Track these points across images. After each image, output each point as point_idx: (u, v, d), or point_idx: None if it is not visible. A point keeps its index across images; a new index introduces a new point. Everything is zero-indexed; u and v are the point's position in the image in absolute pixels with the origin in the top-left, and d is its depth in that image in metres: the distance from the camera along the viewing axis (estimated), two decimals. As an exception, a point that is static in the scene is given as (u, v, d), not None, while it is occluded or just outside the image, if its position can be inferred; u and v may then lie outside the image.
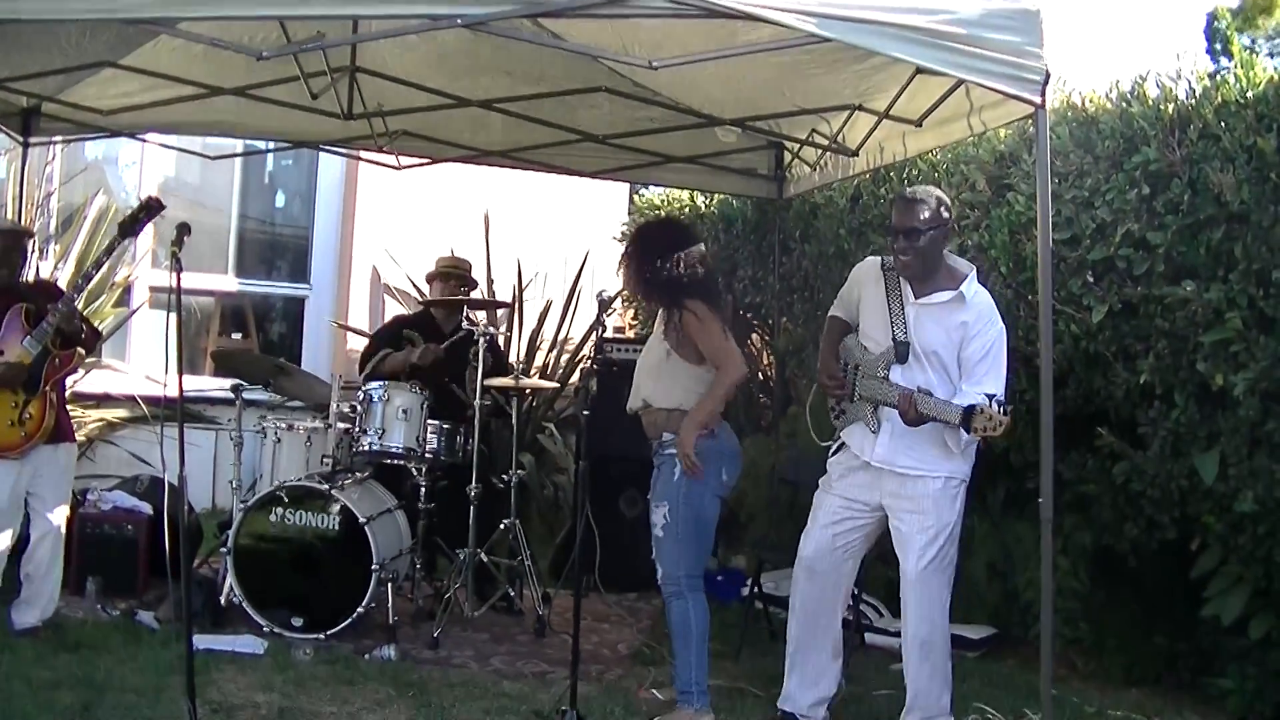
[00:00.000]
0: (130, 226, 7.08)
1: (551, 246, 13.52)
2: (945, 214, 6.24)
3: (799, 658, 6.60)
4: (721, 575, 9.40)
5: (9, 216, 9.95)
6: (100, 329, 8.40)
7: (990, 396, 5.77)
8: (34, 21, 6.02)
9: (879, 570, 6.79)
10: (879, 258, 6.56)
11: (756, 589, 8.24)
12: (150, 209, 7.09)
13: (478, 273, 10.51)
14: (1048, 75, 5.27)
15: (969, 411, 5.76)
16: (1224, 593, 6.99)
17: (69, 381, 8.04)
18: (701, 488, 6.55)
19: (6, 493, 7.41)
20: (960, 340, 6.08)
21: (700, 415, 6.51)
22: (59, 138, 9.96)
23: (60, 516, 7.69)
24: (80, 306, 8.15)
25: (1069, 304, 7.19)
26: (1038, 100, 5.28)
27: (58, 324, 7.37)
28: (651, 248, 6.76)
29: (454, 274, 9.69)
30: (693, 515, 6.56)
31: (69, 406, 8.11)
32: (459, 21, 5.10)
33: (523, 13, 5.18)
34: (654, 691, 7.18)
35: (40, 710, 6.22)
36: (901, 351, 6.19)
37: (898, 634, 6.57)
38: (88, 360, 8.03)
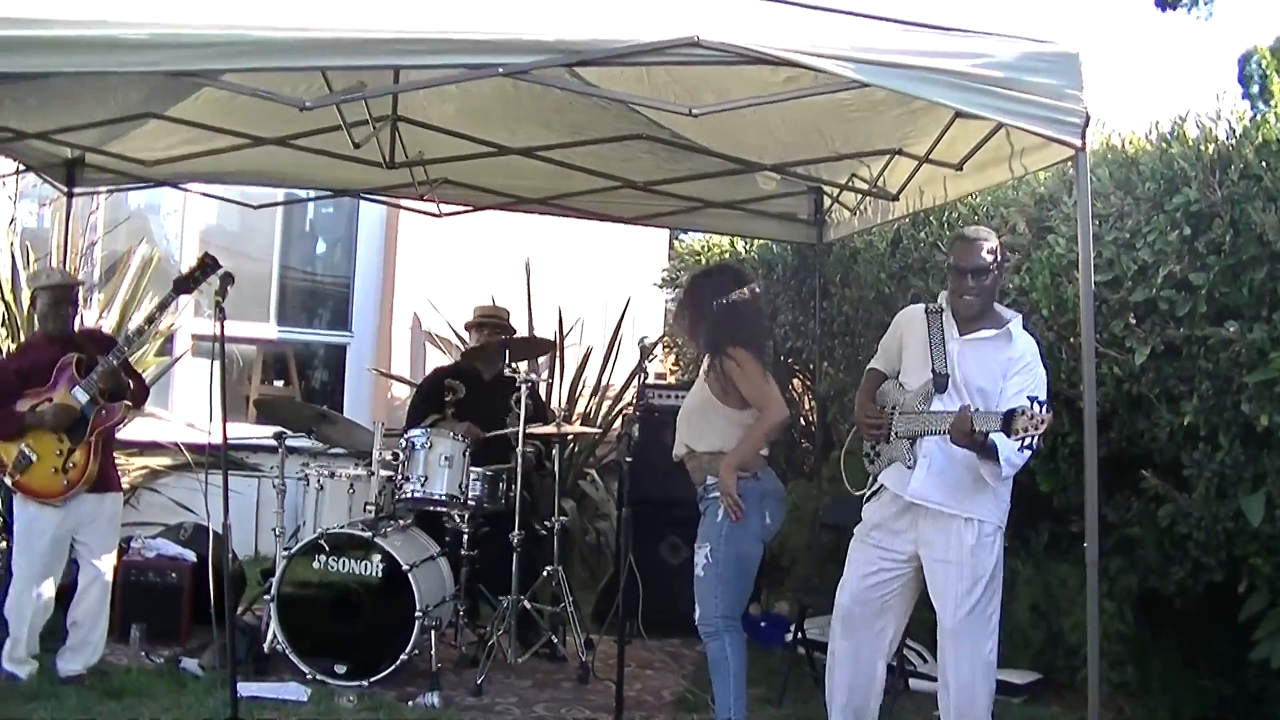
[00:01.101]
0: (186, 283, 7.14)
1: (592, 293, 13.53)
2: (1002, 255, 6.23)
3: (837, 708, 6.56)
4: (764, 621, 9.37)
5: (54, 265, 10.05)
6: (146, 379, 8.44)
7: (1032, 399, 5.68)
8: (78, 74, 6.07)
9: (922, 615, 6.74)
10: (921, 305, 6.54)
11: (800, 634, 8.21)
12: (207, 267, 7.13)
13: (520, 319, 10.53)
14: (1088, 118, 5.27)
15: (1009, 415, 5.62)
16: (1272, 635, 6.91)
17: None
18: (743, 529, 6.55)
19: (48, 539, 7.48)
20: (1004, 375, 6.03)
21: (738, 456, 6.53)
22: (102, 188, 10.02)
23: (107, 565, 7.74)
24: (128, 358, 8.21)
25: (1111, 346, 7.16)
26: (1078, 143, 5.28)
27: (103, 377, 7.43)
28: (698, 296, 6.83)
29: (490, 323, 9.72)
30: (733, 556, 6.56)
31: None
32: (500, 71, 5.14)
33: (562, 62, 5.19)
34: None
35: (85, 758, 6.26)
36: (940, 382, 6.13)
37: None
38: (133, 411, 8.05)
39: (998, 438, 5.72)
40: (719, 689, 6.63)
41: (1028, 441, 5.62)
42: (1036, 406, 5.58)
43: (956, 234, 6.72)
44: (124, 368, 7.76)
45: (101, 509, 7.68)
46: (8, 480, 7.52)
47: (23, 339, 10.03)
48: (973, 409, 5.90)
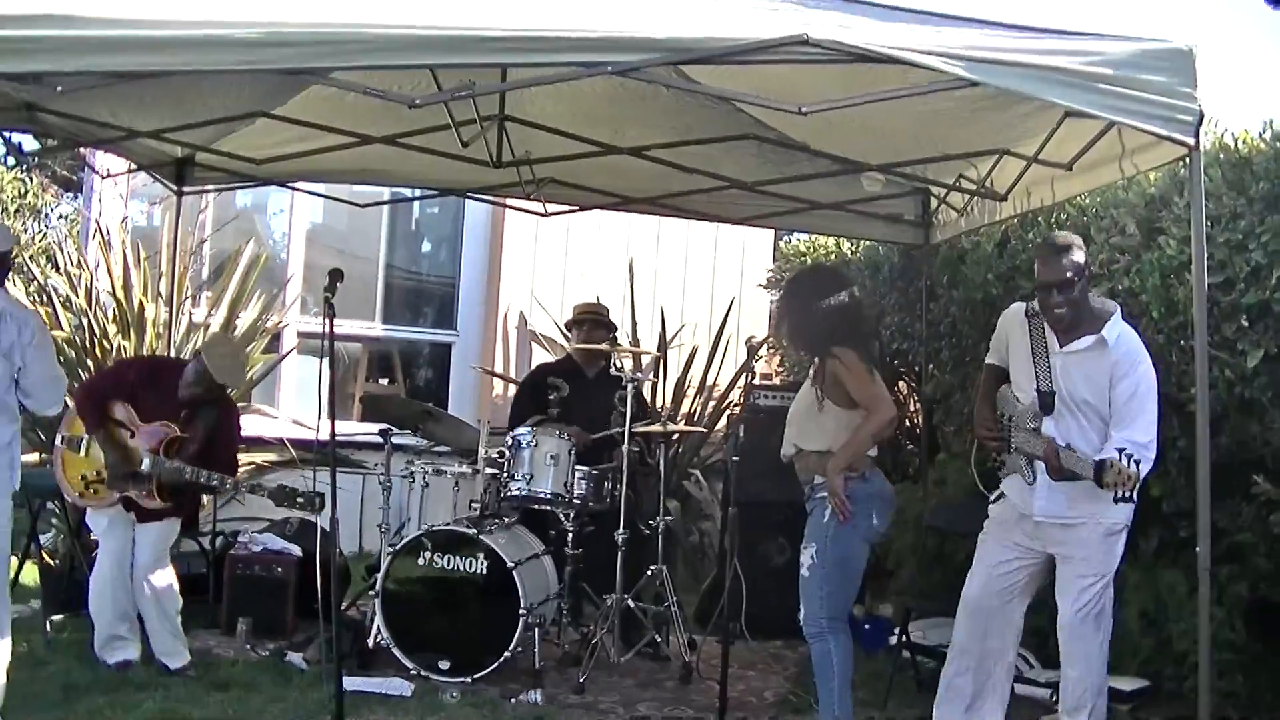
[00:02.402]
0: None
1: (696, 293, 13.53)
2: (1085, 262, 6.18)
3: (958, 700, 6.52)
4: (868, 623, 9.30)
5: (163, 264, 10.17)
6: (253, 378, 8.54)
7: (1120, 450, 5.64)
8: (189, 73, 6.12)
9: (1028, 619, 6.69)
10: (1023, 304, 6.50)
11: (905, 637, 8.16)
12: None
13: (620, 319, 10.53)
14: (1201, 116, 5.20)
15: (1100, 466, 5.65)
16: (1385, 646, 6.83)
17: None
18: (850, 530, 6.53)
19: (104, 520, 7.76)
20: (1108, 381, 5.98)
21: (846, 456, 6.50)
22: (211, 186, 10.11)
23: (159, 578, 7.83)
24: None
25: (1223, 349, 7.06)
26: (1191, 141, 5.21)
27: (169, 473, 7.62)
28: (799, 298, 6.82)
29: (590, 318, 9.74)
30: (840, 557, 6.54)
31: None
32: (609, 69, 5.14)
33: (671, 60, 5.18)
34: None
35: (192, 748, 6.32)
36: (1046, 402, 6.12)
37: (1047, 684, 6.49)
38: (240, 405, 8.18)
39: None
40: (823, 692, 6.60)
41: (1118, 495, 5.62)
42: (1126, 461, 5.57)
43: (1039, 244, 6.68)
44: (224, 419, 7.92)
45: (146, 529, 7.78)
46: (58, 439, 7.82)
47: (133, 335, 10.14)
48: (1066, 447, 5.91)
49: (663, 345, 12.45)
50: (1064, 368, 6.11)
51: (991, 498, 6.56)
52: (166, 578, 7.84)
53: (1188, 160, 5.40)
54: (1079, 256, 6.07)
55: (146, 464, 7.57)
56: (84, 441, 7.69)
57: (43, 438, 9.93)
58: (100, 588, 7.68)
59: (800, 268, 11.26)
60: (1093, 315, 6.14)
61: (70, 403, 7.80)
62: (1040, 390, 6.14)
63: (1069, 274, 6.03)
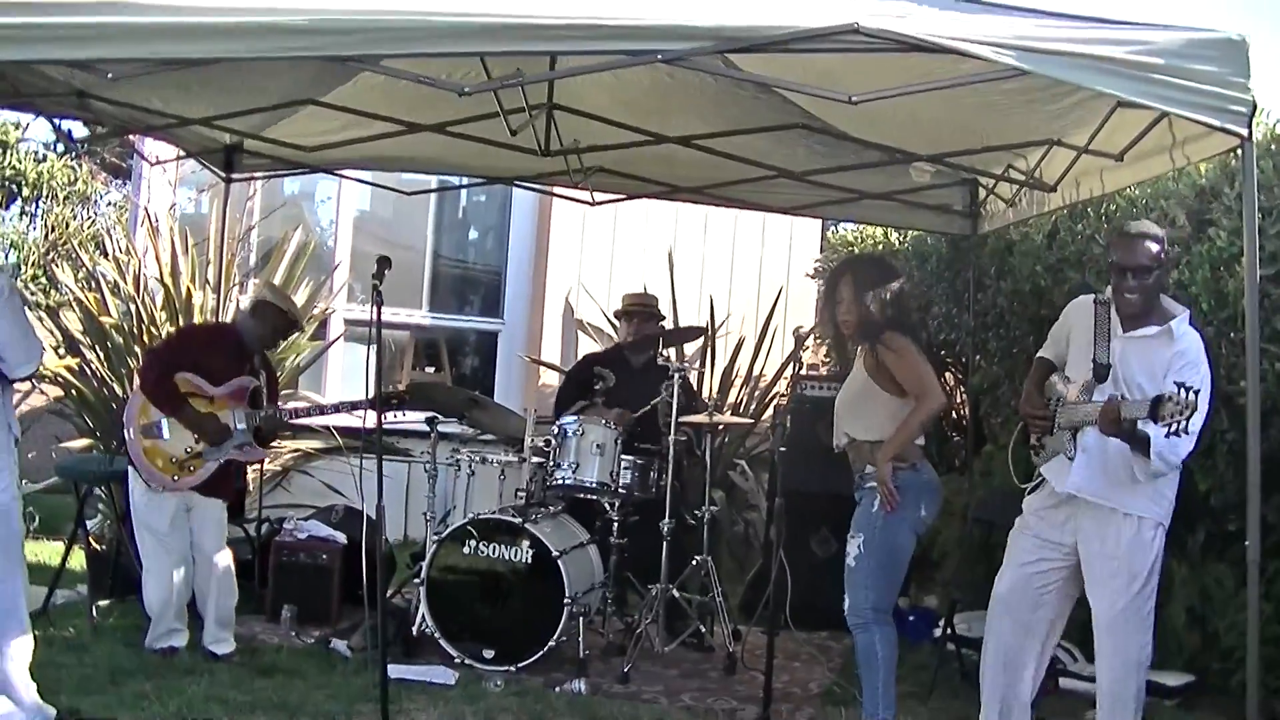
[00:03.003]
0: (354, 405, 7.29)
1: (744, 283, 13.51)
2: (1167, 253, 6.11)
3: (991, 697, 6.48)
4: (913, 615, 9.28)
5: (211, 251, 10.21)
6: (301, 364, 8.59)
7: (1179, 384, 5.44)
8: (239, 60, 6.13)
9: (1073, 612, 6.65)
10: (1092, 295, 6.44)
11: (949, 630, 8.14)
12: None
13: (665, 309, 10.52)
14: (1254, 106, 5.16)
15: (1156, 400, 5.47)
16: None
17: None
18: (898, 521, 6.51)
19: (167, 520, 7.71)
20: (1164, 371, 5.92)
21: (895, 445, 6.48)
22: (260, 173, 10.14)
23: (221, 560, 7.92)
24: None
25: (1273, 341, 7.01)
26: (1244, 132, 5.16)
27: (267, 421, 7.77)
28: (852, 284, 6.75)
29: (640, 311, 9.74)
30: (887, 547, 6.52)
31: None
32: (658, 57, 5.13)
33: (721, 49, 5.17)
34: (845, 731, 7.14)
35: (237, 733, 6.36)
36: (1101, 372, 6.02)
37: (1092, 678, 6.43)
38: (284, 394, 8.24)
39: (1148, 427, 5.62)
40: (867, 684, 6.57)
41: (1174, 428, 5.46)
42: (1183, 392, 5.42)
43: (1117, 229, 6.62)
44: (284, 425, 7.97)
45: (209, 507, 7.86)
46: (128, 434, 7.72)
47: (181, 322, 10.18)
48: (1122, 397, 5.83)
49: (710, 335, 12.43)
50: (1124, 352, 6.03)
51: (1028, 488, 6.50)
52: (228, 560, 7.93)
53: (1239, 151, 5.36)
54: (1158, 247, 6.02)
55: (242, 422, 7.64)
56: (163, 424, 7.68)
57: (90, 424, 9.99)
58: (162, 581, 7.71)
59: (849, 256, 11.20)
60: (1161, 311, 6.09)
61: (136, 392, 7.88)
62: (1096, 361, 6.07)
63: (1146, 260, 5.98)
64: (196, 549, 7.82)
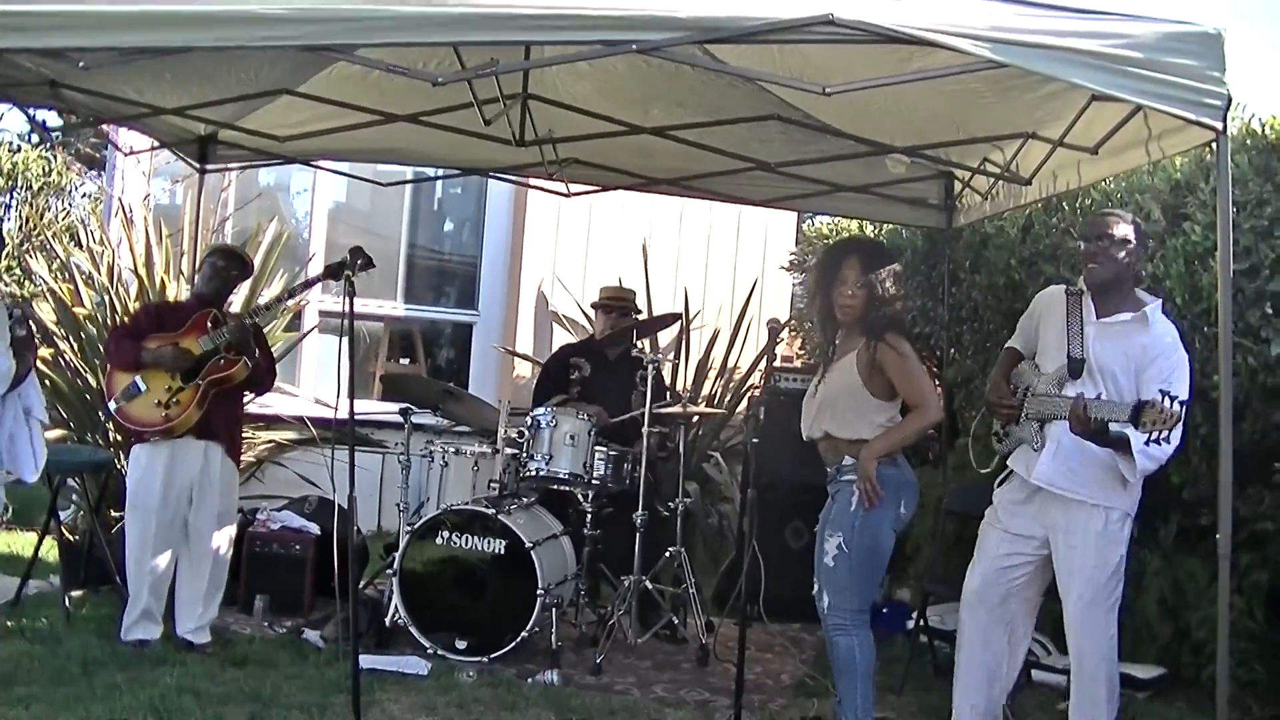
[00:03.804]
0: (337, 271, 7.14)
1: (718, 275, 13.52)
2: (1139, 240, 6.14)
3: (963, 695, 6.49)
4: (886, 608, 9.30)
5: (185, 242, 10.21)
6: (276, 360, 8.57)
7: (1164, 392, 5.43)
8: (214, 49, 6.11)
9: (1046, 605, 6.65)
10: (1062, 286, 6.44)
11: (923, 622, 8.15)
12: (361, 263, 7.05)
13: (640, 301, 10.52)
14: (1229, 100, 5.16)
15: (1139, 407, 5.47)
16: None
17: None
18: (879, 519, 6.31)
19: (158, 492, 7.69)
20: (1139, 364, 5.91)
21: (885, 444, 6.31)
22: (234, 164, 10.11)
23: (219, 539, 7.93)
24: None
25: (1246, 336, 7.03)
26: (1219, 125, 5.16)
27: (232, 332, 7.58)
28: (861, 268, 6.44)
29: (617, 305, 9.74)
30: (867, 546, 6.32)
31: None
32: (633, 47, 5.11)
33: (697, 39, 5.15)
34: (817, 722, 7.14)
35: (209, 723, 6.34)
36: (1075, 367, 6.04)
37: (1064, 671, 6.45)
38: (258, 386, 8.21)
39: (1128, 431, 5.62)
40: (846, 689, 6.40)
41: (1155, 437, 5.48)
42: (1167, 400, 5.41)
43: (1095, 212, 6.64)
44: (256, 336, 7.92)
45: (210, 461, 7.82)
46: (112, 405, 7.75)
47: (150, 301, 10.17)
48: (1097, 396, 5.84)
49: (685, 327, 12.43)
50: (1098, 338, 6.03)
51: (997, 482, 6.50)
52: (225, 542, 7.99)
53: (1214, 145, 5.38)
54: (1128, 231, 6.04)
55: (206, 340, 7.66)
56: (138, 381, 7.67)
57: (63, 415, 9.96)
58: (144, 562, 7.71)
59: (848, 236, 11.08)
60: (1136, 300, 6.10)
61: (108, 374, 7.89)
62: (1070, 356, 6.07)
63: (1112, 231, 6.01)
64: (193, 530, 7.82)
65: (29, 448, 6.84)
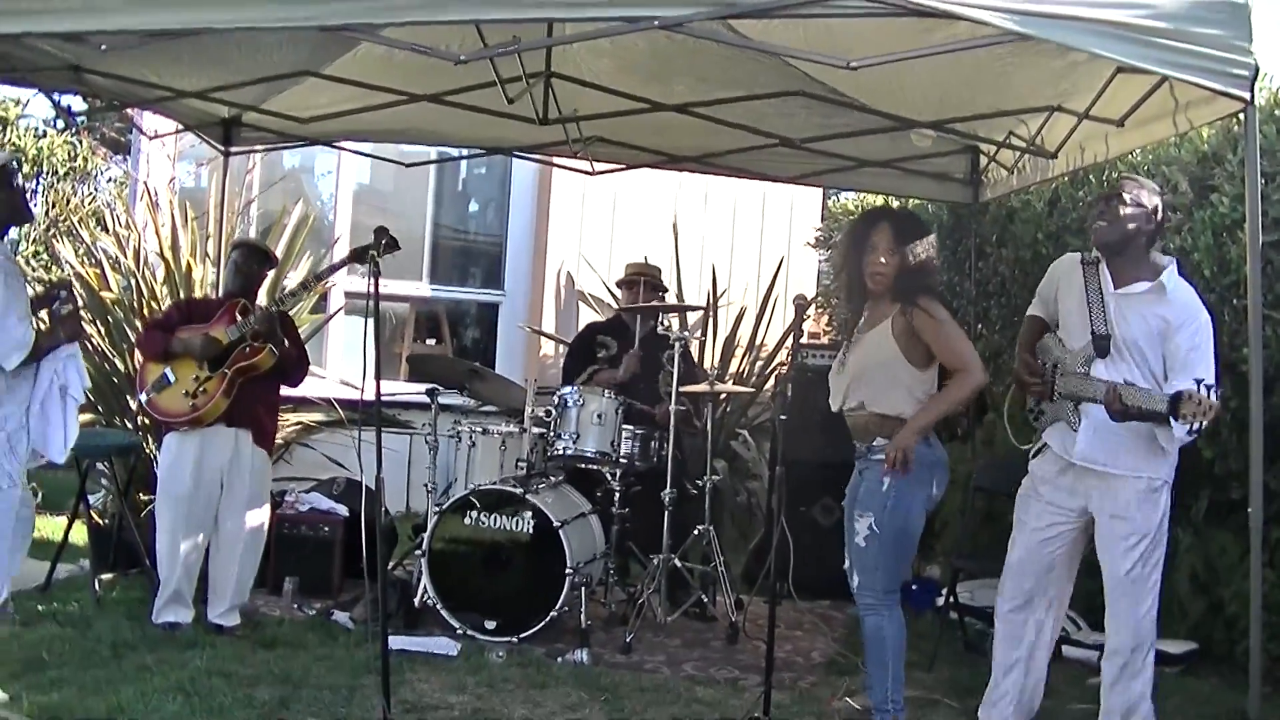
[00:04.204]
0: (362, 254, 7.11)
1: (745, 252, 13.50)
2: (1155, 207, 6.07)
3: (1002, 667, 6.47)
4: (915, 584, 9.26)
5: (210, 225, 10.22)
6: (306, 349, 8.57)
7: (1199, 381, 5.46)
8: (237, 31, 6.10)
9: (1078, 580, 6.62)
10: (1078, 254, 6.39)
11: (952, 599, 8.12)
12: (388, 244, 7.02)
13: (667, 279, 10.50)
14: (1257, 70, 5.12)
15: (1176, 398, 5.47)
16: None
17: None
18: (910, 498, 6.17)
19: (188, 478, 7.73)
20: (1161, 333, 5.87)
21: (928, 418, 6.17)
22: (259, 147, 10.12)
23: (252, 519, 7.94)
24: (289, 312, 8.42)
25: (1276, 308, 6.99)
26: (1246, 96, 5.13)
27: (259, 320, 7.58)
28: (893, 236, 6.28)
29: (642, 280, 9.71)
30: (899, 526, 6.19)
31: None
32: (655, 23, 5.08)
33: (719, 14, 5.13)
34: (848, 700, 7.10)
35: (239, 705, 6.37)
36: (1101, 346, 6.00)
37: (1095, 647, 6.44)
38: (293, 377, 8.20)
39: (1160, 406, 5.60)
40: (875, 668, 6.34)
41: (1194, 426, 5.45)
42: (1204, 390, 5.41)
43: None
44: (284, 324, 7.93)
45: (240, 448, 7.85)
46: (142, 397, 7.81)
47: (181, 295, 10.18)
48: (1125, 383, 5.81)
49: (712, 304, 12.41)
50: (1119, 309, 5.99)
51: (1031, 452, 6.47)
52: (258, 524, 8.01)
53: (1242, 116, 5.34)
54: (1141, 195, 5.99)
55: (233, 329, 7.69)
56: (168, 373, 7.71)
57: (91, 399, 9.98)
58: (174, 546, 7.74)
59: (878, 206, 10.95)
60: (1151, 266, 6.06)
61: (140, 366, 7.97)
62: (1095, 333, 6.02)
63: (1123, 193, 5.98)
64: (224, 516, 7.86)
65: (61, 425, 6.82)
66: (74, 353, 6.80)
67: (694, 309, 10.64)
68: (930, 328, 6.16)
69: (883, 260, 6.26)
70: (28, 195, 7.18)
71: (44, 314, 6.97)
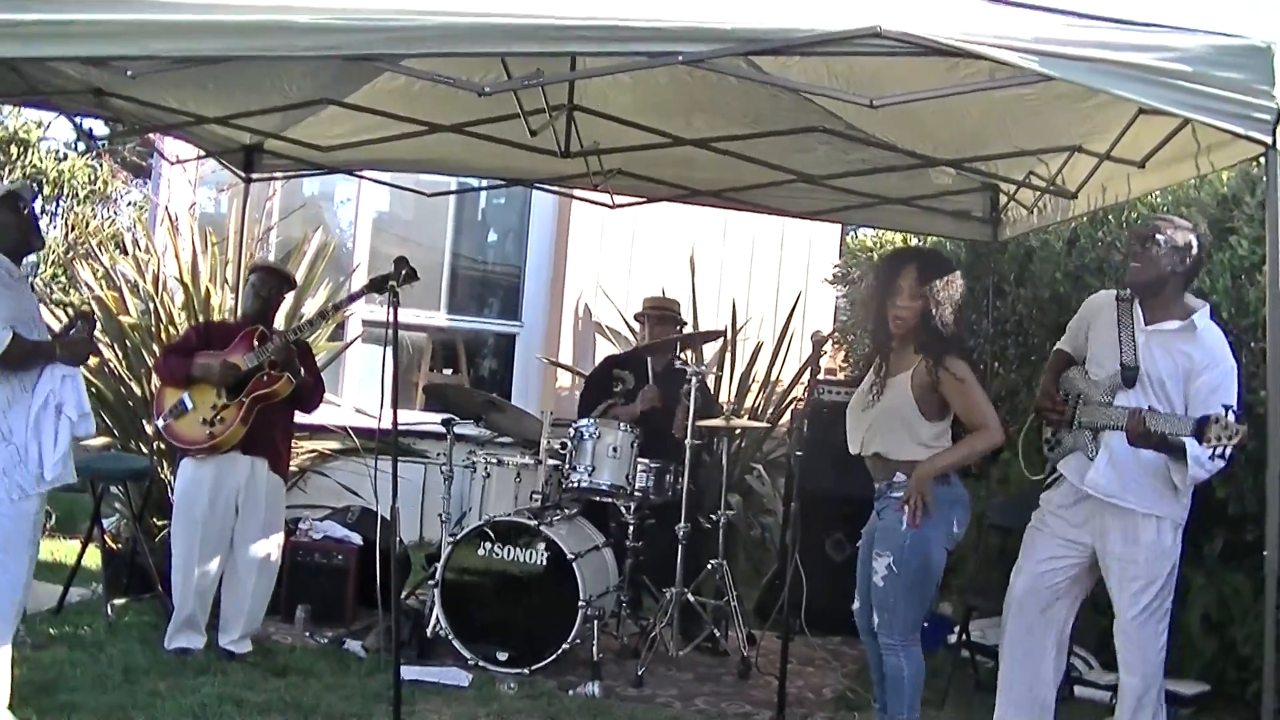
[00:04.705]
0: (381, 285, 7.11)
1: (762, 287, 13.51)
2: (1188, 244, 6.08)
3: (1008, 703, 6.46)
4: (928, 622, 9.20)
5: (230, 250, 10.24)
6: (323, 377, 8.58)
7: (1227, 407, 5.48)
8: (260, 59, 6.12)
9: (1090, 619, 6.61)
10: (1113, 292, 6.41)
11: (965, 636, 8.11)
12: (406, 275, 7.03)
13: (684, 313, 10.50)
14: (1278, 114, 5.12)
15: (1202, 422, 5.48)
16: None
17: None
18: (930, 538, 6.19)
19: (204, 503, 7.72)
20: (1187, 372, 5.91)
21: (944, 463, 6.19)
22: (279, 174, 10.15)
23: (267, 547, 7.92)
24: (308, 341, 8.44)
25: (1293, 350, 6.98)
26: (1268, 140, 5.12)
27: (277, 350, 7.60)
28: (923, 283, 6.25)
29: (660, 314, 9.72)
30: (918, 566, 6.20)
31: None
32: (679, 59, 5.09)
33: (741, 51, 5.13)
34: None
35: (250, 733, 6.36)
36: (1129, 376, 6.01)
37: (1107, 687, 6.43)
38: (308, 404, 8.20)
39: (1189, 441, 5.60)
40: (893, 704, 6.36)
41: (1218, 451, 5.46)
42: (1230, 415, 5.43)
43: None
44: (302, 353, 7.94)
45: (255, 475, 7.84)
46: (160, 422, 7.81)
47: (200, 321, 10.21)
48: (1149, 409, 5.81)
49: (730, 339, 12.41)
50: (1148, 345, 6.03)
51: (1045, 482, 6.46)
52: (269, 552, 7.97)
53: (1264, 159, 5.33)
54: (1176, 236, 6.03)
55: (251, 357, 7.69)
56: (186, 399, 7.73)
57: (108, 422, 10.00)
58: (189, 570, 7.73)
59: (905, 246, 10.88)
60: (1184, 308, 6.08)
61: (156, 391, 8.00)
62: (1124, 364, 6.04)
63: (1158, 235, 6.02)
64: (239, 542, 7.84)
65: (52, 442, 6.71)
66: (73, 374, 6.79)
67: (713, 336, 10.60)
68: (955, 390, 6.20)
69: (905, 304, 6.26)
70: (40, 221, 7.13)
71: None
